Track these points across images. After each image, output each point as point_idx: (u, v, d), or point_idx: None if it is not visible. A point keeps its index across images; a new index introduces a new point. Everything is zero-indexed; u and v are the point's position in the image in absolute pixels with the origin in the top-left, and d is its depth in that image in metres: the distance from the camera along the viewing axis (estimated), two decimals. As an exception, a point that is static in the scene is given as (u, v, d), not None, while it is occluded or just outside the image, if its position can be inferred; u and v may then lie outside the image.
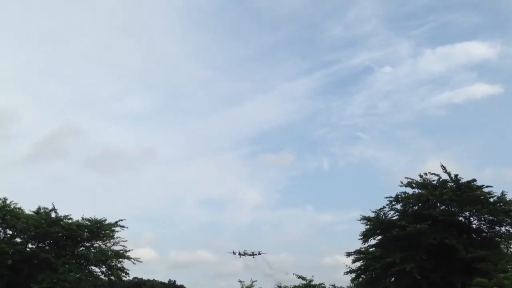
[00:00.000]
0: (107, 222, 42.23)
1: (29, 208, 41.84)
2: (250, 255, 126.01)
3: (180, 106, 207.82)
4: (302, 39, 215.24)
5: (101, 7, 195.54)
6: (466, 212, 36.54)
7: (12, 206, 40.46)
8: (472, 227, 38.05)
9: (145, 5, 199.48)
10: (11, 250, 38.03)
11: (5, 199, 40.44)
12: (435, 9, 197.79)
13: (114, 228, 42.49)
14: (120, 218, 42.89)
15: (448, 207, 37.02)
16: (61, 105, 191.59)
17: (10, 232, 40.43)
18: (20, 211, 40.79)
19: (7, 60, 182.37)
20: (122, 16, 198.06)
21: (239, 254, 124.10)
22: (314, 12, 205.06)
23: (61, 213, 41.93)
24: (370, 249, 39.27)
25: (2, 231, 40.19)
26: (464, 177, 37.40)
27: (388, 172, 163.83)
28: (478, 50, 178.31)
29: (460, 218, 37.49)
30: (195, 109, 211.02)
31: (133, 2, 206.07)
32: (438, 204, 37.58)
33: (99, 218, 42.04)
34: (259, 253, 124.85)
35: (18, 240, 40.61)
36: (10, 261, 38.65)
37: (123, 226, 42.94)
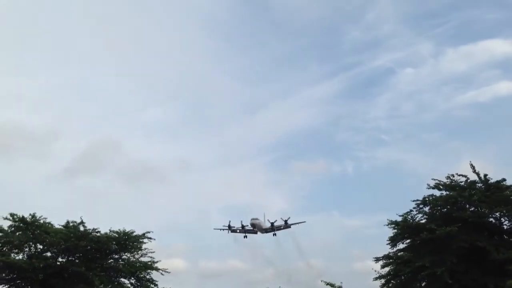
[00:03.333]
0: (134, 234, 42.77)
1: (58, 222, 42.76)
2: (268, 230, 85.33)
3: (205, 115, 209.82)
4: (322, 44, 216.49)
5: (126, 24, 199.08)
6: (497, 213, 35.94)
7: (41, 221, 41.21)
8: (504, 228, 37.28)
9: (169, 20, 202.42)
10: (42, 265, 38.56)
11: (34, 214, 41.18)
12: (456, 7, 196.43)
13: (141, 240, 42.99)
14: (148, 230, 43.61)
15: (478, 209, 36.42)
16: (94, 120, 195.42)
17: (41, 247, 41.04)
18: (49, 226, 41.49)
19: (41, 80, 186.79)
20: (146, 31, 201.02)
21: (239, 230, 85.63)
22: (333, 16, 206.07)
23: (90, 226, 42.81)
24: (399, 254, 38.87)
25: (33, 245, 40.83)
26: (496, 177, 36.96)
27: (414, 175, 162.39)
28: (501, 47, 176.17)
29: (491, 219, 36.85)
30: (219, 117, 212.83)
31: (157, 18, 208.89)
32: (467, 206, 37.03)
33: (126, 230, 42.63)
34: (286, 224, 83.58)
35: (48, 254, 41.17)
36: (41, 276, 39.20)
37: (150, 238, 43.49)
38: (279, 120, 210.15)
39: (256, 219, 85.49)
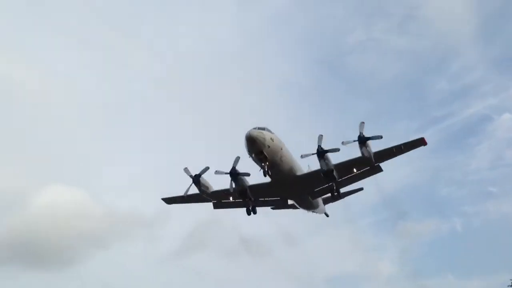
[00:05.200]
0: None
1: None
2: (310, 188, 45.39)
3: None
4: (407, 99, 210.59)
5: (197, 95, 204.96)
6: None
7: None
8: None
9: (247, 84, 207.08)
10: None
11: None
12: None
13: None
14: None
15: None
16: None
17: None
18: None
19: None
20: (223, 95, 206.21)
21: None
22: (415, 71, 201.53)
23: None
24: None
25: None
26: None
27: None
28: None
29: None
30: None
31: (234, 83, 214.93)
32: None
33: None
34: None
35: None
36: None
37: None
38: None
39: (263, 129, 40.66)
